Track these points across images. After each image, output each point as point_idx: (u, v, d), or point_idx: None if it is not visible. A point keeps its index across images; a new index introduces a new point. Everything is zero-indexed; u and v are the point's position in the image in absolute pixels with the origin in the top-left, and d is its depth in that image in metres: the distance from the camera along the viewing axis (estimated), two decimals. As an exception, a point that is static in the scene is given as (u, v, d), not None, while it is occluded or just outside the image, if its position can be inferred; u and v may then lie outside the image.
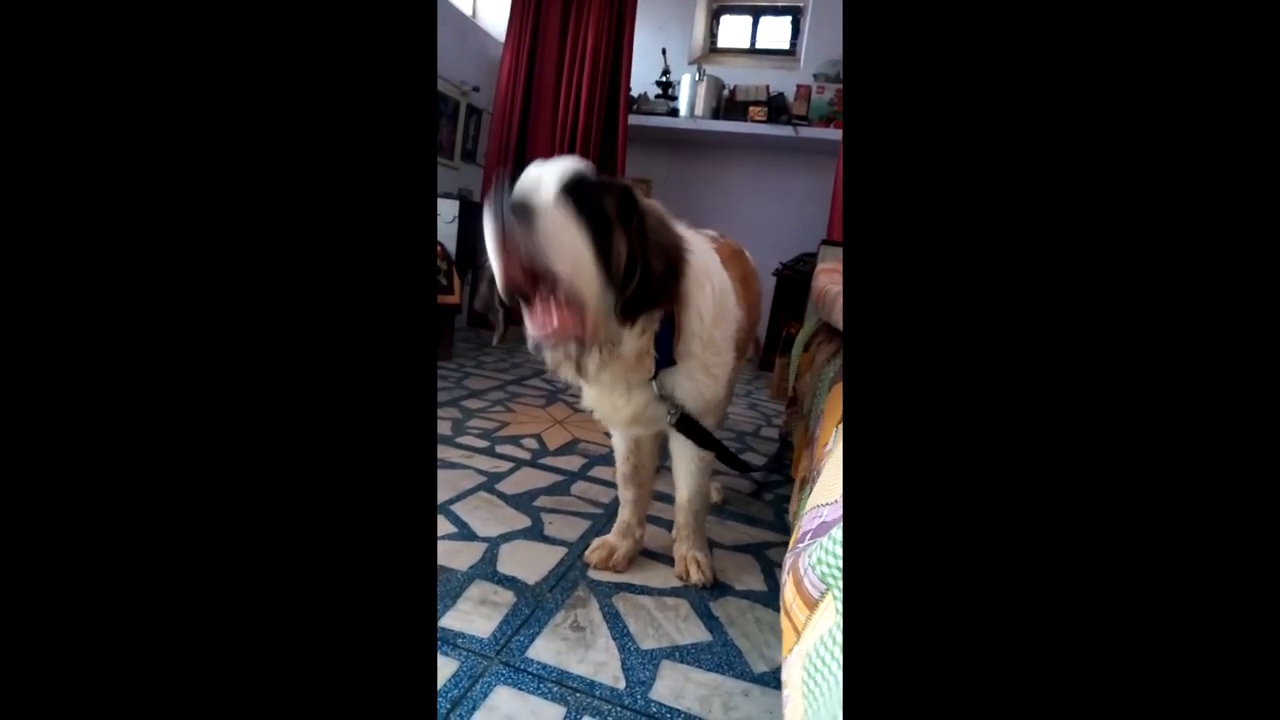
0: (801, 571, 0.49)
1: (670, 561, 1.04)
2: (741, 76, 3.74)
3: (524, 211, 0.64)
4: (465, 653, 0.74)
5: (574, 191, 0.69)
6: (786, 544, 1.21)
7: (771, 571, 1.06)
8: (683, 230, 0.86)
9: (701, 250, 0.87)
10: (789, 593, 0.52)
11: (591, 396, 0.92)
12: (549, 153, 3.09)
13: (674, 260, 0.76)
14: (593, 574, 0.97)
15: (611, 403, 0.89)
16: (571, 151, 3.00)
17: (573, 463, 1.47)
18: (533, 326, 0.69)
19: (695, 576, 0.98)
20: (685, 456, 0.97)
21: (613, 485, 1.34)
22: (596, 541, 1.02)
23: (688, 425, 0.89)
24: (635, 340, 0.79)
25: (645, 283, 0.72)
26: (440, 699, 0.66)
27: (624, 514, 1.03)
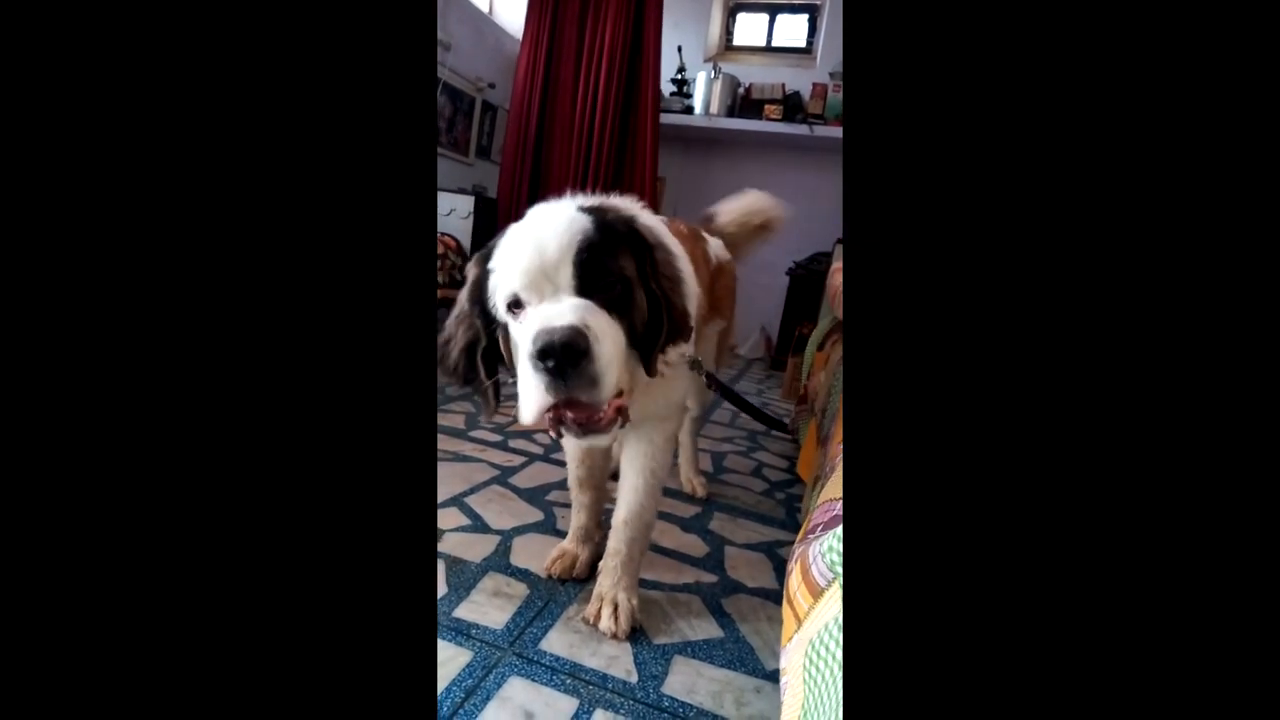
0: (810, 559, 0.49)
1: (680, 557, 1.05)
2: (757, 74, 3.72)
3: (576, 352, 0.55)
4: (479, 643, 0.75)
5: (591, 268, 0.60)
6: (798, 543, 1.21)
7: (784, 570, 1.06)
8: (645, 218, 0.81)
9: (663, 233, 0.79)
10: (794, 581, 0.52)
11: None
12: (566, 151, 3.10)
13: (685, 285, 0.69)
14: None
15: None
16: (588, 150, 3.00)
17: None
18: (577, 425, 0.59)
19: (605, 623, 0.80)
20: (636, 468, 0.85)
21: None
22: (556, 550, 0.95)
23: (719, 384, 0.94)
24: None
25: (673, 325, 0.66)
26: (455, 688, 0.67)
27: (580, 519, 0.96)
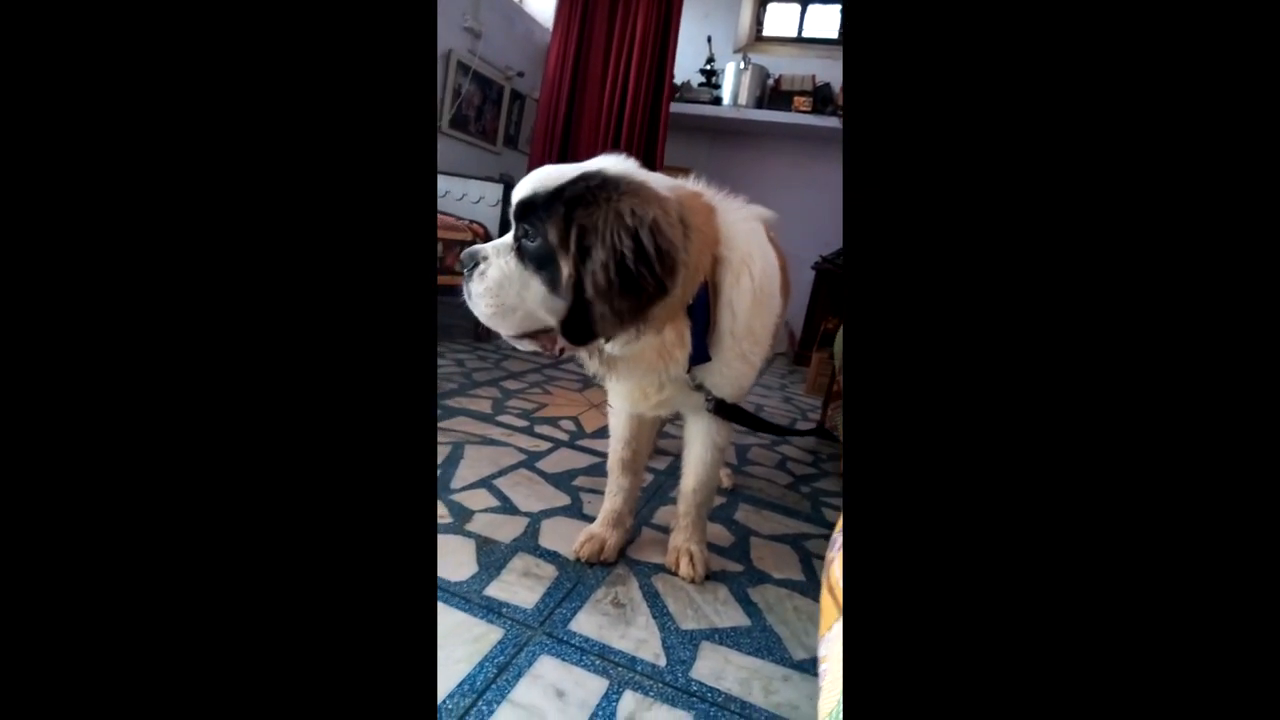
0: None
1: (708, 546, 1.05)
2: (787, 66, 3.68)
3: (469, 269, 0.75)
4: (510, 622, 0.76)
5: (520, 221, 0.73)
6: (824, 536, 1.20)
7: (809, 562, 1.05)
8: (728, 209, 0.82)
9: (743, 238, 0.80)
10: (835, 570, 0.52)
11: (621, 386, 0.89)
12: (594, 140, 3.10)
13: (644, 274, 0.67)
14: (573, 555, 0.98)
15: (642, 390, 0.87)
16: (616, 139, 2.99)
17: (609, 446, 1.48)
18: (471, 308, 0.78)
19: (684, 570, 0.93)
20: (701, 443, 0.94)
21: (650, 470, 1.35)
22: (583, 534, 0.96)
23: (726, 409, 0.88)
24: (652, 338, 0.75)
25: (581, 315, 0.70)
26: (487, 664, 0.68)
27: (614, 503, 0.97)
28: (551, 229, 0.69)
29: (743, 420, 0.92)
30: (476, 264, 0.75)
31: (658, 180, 0.75)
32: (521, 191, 0.73)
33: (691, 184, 0.83)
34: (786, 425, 1.28)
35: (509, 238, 0.75)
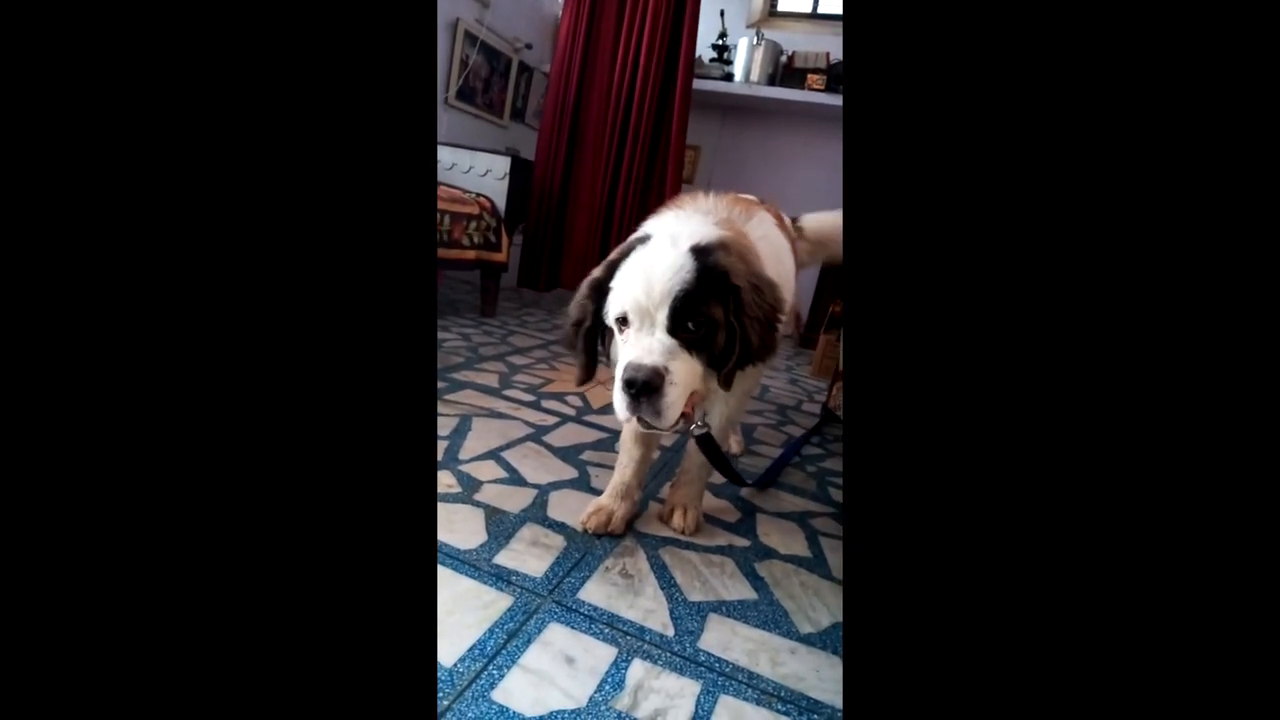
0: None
1: (712, 520, 1.05)
2: (800, 42, 3.60)
3: (651, 389, 0.73)
4: (520, 590, 0.76)
5: (683, 313, 0.75)
6: (830, 514, 1.20)
7: (815, 539, 1.06)
8: (752, 228, 0.92)
9: (767, 250, 0.91)
10: None
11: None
12: (602, 117, 3.05)
13: (770, 325, 0.81)
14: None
15: None
16: (626, 116, 2.94)
17: (616, 422, 1.47)
18: (646, 426, 0.77)
19: (677, 522, 0.99)
20: (715, 412, 1.01)
21: (659, 446, 1.35)
22: (591, 505, 0.96)
23: (706, 442, 0.96)
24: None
25: (745, 354, 0.79)
26: (497, 630, 0.68)
27: (623, 474, 0.98)
28: (715, 309, 0.77)
29: (712, 457, 0.98)
30: (662, 378, 0.73)
31: (705, 220, 0.87)
32: (671, 292, 0.75)
33: (713, 203, 0.95)
34: (749, 473, 1.28)
35: (664, 340, 0.75)
